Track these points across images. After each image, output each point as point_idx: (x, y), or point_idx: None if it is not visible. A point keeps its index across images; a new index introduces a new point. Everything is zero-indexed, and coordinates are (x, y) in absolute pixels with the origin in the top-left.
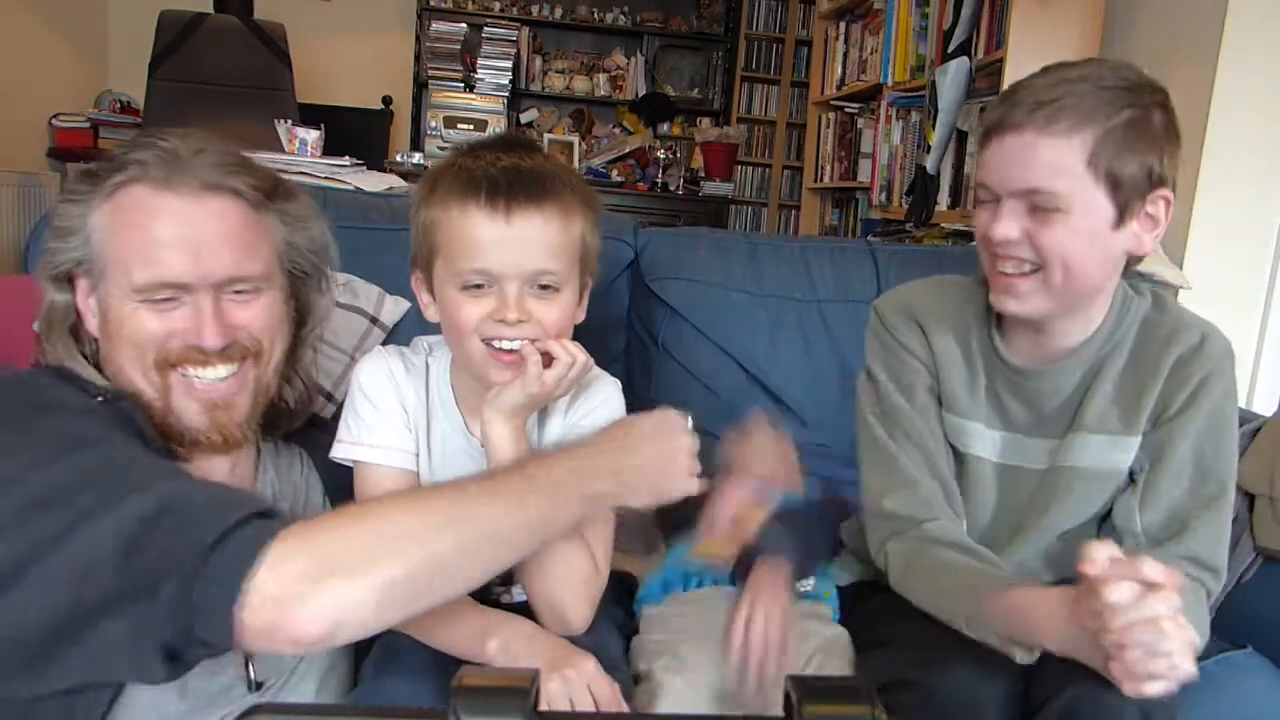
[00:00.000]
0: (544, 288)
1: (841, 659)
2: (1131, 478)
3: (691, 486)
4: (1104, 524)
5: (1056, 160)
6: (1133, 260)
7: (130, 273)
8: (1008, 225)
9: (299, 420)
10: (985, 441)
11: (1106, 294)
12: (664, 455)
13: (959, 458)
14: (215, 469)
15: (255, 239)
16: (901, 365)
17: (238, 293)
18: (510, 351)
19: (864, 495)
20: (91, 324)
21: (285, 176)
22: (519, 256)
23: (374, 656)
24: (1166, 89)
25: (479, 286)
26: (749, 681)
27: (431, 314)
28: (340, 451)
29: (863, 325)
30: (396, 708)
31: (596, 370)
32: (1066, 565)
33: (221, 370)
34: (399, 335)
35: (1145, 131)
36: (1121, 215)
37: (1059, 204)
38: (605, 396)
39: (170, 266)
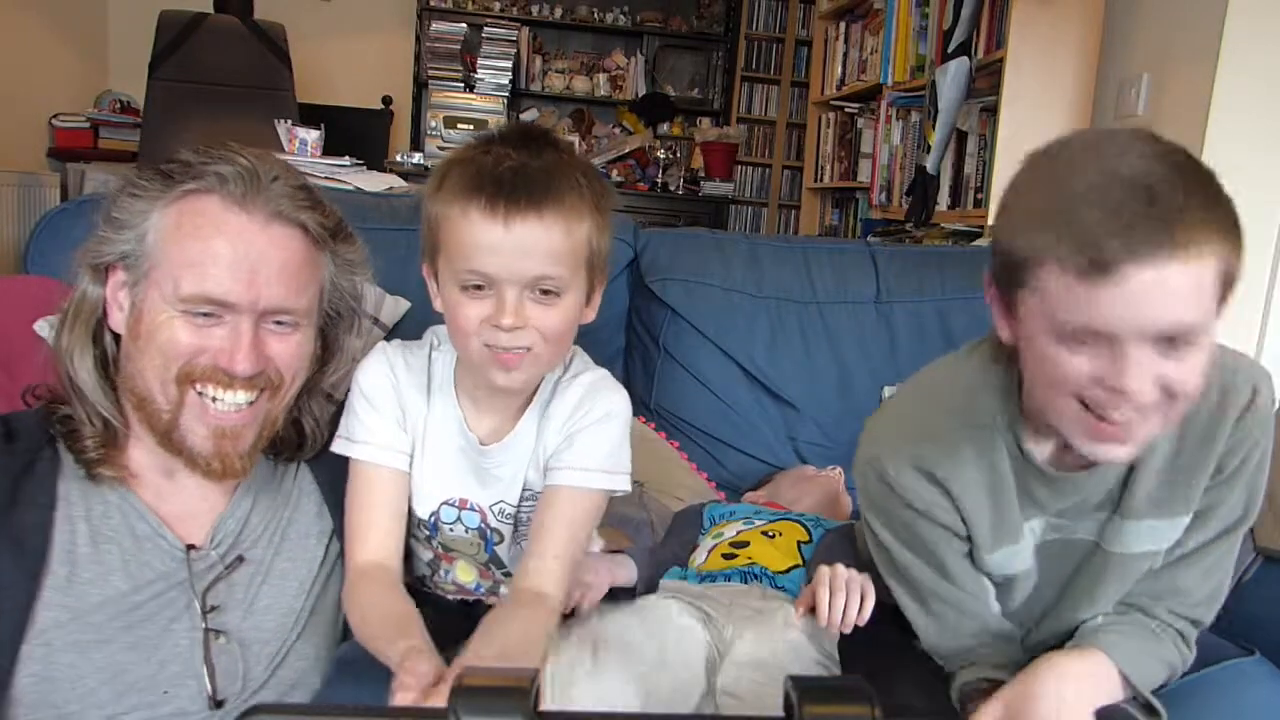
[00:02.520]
0: (545, 292)
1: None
2: None
3: None
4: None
5: (1198, 285)
6: None
7: (179, 281)
8: (1143, 376)
9: (306, 453)
10: (1024, 553)
11: None
12: None
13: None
14: (189, 485)
15: (308, 276)
16: (920, 534)
17: (277, 324)
18: (509, 351)
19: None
20: (116, 319)
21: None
22: (517, 262)
23: (336, 662)
24: None
25: (479, 288)
26: (833, 628)
27: (438, 304)
28: (338, 446)
29: (862, 326)
30: (396, 708)
31: (601, 372)
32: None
33: (241, 396)
34: (399, 335)
35: None
36: None
37: (1201, 333)
38: (609, 410)
39: (221, 283)
